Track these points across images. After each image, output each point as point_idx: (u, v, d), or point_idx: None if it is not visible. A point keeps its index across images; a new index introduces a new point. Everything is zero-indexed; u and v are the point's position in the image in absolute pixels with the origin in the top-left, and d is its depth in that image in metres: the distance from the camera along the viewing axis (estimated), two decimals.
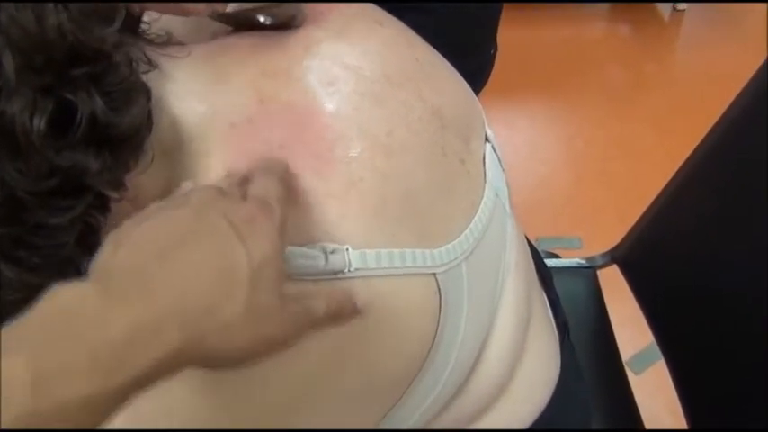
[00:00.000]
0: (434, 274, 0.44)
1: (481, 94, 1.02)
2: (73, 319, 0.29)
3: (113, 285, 0.31)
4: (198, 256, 0.33)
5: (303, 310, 0.36)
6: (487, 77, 0.99)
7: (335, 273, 0.40)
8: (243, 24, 0.48)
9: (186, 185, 0.40)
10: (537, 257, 0.72)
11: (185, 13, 0.43)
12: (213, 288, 0.33)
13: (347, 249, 0.41)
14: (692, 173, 0.84)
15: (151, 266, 0.32)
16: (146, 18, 0.44)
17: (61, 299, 0.30)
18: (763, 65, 0.73)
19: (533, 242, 1.05)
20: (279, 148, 0.43)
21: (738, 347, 0.77)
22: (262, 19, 0.47)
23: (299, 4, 0.47)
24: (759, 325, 0.73)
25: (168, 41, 0.45)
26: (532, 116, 1.92)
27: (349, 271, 0.40)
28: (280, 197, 0.38)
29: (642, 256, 0.93)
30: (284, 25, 0.48)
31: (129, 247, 0.34)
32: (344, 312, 0.39)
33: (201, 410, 0.40)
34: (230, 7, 0.45)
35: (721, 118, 0.79)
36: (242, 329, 0.33)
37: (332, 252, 0.40)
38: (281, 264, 0.36)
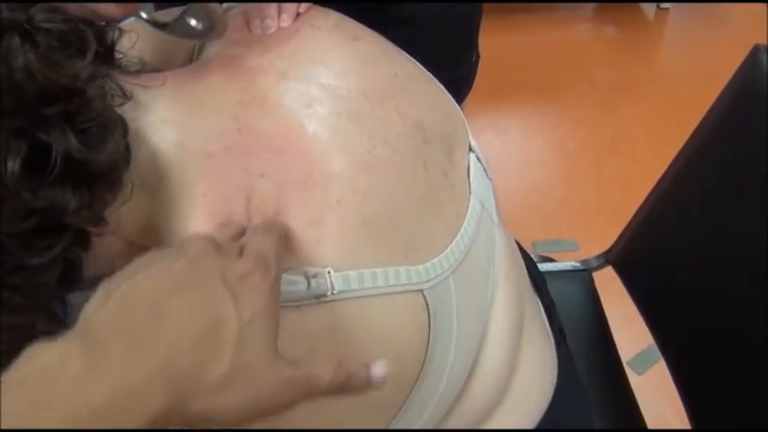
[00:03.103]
0: (421, 290, 0.44)
1: (471, 101, 1.02)
2: (53, 382, 0.28)
3: (97, 344, 0.30)
4: (187, 315, 0.32)
5: (302, 377, 0.34)
6: (471, 85, 0.99)
7: (318, 297, 0.40)
8: (176, 31, 0.46)
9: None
10: (529, 263, 0.72)
11: (99, 18, 0.41)
12: (200, 348, 0.31)
13: (329, 272, 0.40)
14: (681, 170, 0.83)
15: (139, 324, 0.31)
16: (119, 47, 0.44)
17: (42, 359, 0.29)
18: (745, 61, 0.74)
19: (529, 246, 1.04)
20: (259, 177, 0.42)
21: (737, 343, 0.76)
22: (193, 23, 0.46)
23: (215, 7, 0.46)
24: (756, 320, 0.73)
25: (143, 69, 0.44)
26: (523, 121, 1.92)
27: (332, 294, 0.40)
28: (277, 253, 0.37)
29: (636, 257, 0.93)
30: (212, 29, 0.46)
31: (118, 300, 0.32)
32: (353, 385, 0.35)
33: None
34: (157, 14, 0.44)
35: (707, 115, 0.79)
36: (229, 392, 0.31)
37: (313, 276, 0.40)
38: (273, 320, 0.34)
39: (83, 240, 0.38)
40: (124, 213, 0.41)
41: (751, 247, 0.73)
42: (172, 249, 0.37)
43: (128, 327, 0.31)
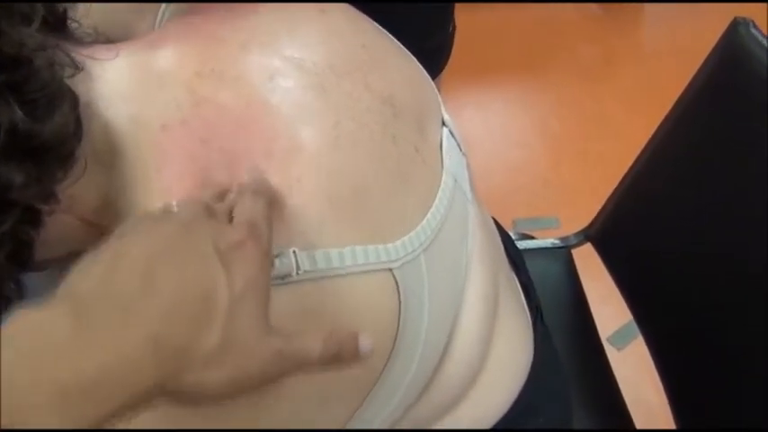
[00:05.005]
0: (391, 269, 0.43)
1: (452, 77, 1.01)
2: (41, 352, 0.27)
3: (87, 311, 0.29)
4: (178, 279, 0.31)
5: (293, 349, 0.34)
6: (448, 56, 0.98)
7: (283, 277, 0.38)
8: None
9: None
10: (507, 240, 0.71)
11: None
12: (190, 321, 0.30)
13: (294, 252, 0.39)
14: (658, 147, 0.83)
15: (129, 291, 0.30)
16: (73, 15, 0.42)
17: (28, 326, 0.28)
18: (724, 34, 0.73)
19: (510, 225, 1.02)
20: (218, 151, 0.41)
21: (715, 319, 0.76)
22: None
23: None
24: (735, 295, 0.73)
25: (96, 40, 0.43)
26: (506, 98, 1.91)
27: (297, 274, 0.38)
28: (268, 221, 0.36)
29: (615, 233, 0.92)
30: None
31: (106, 263, 0.31)
32: (345, 356, 0.35)
33: None
34: None
35: (686, 89, 0.78)
36: (220, 366, 0.31)
37: (277, 256, 0.38)
38: (265, 292, 0.33)
39: (33, 218, 0.37)
40: (78, 190, 0.39)
41: (730, 222, 0.73)
42: (161, 212, 0.36)
43: (117, 293, 0.30)
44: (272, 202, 0.39)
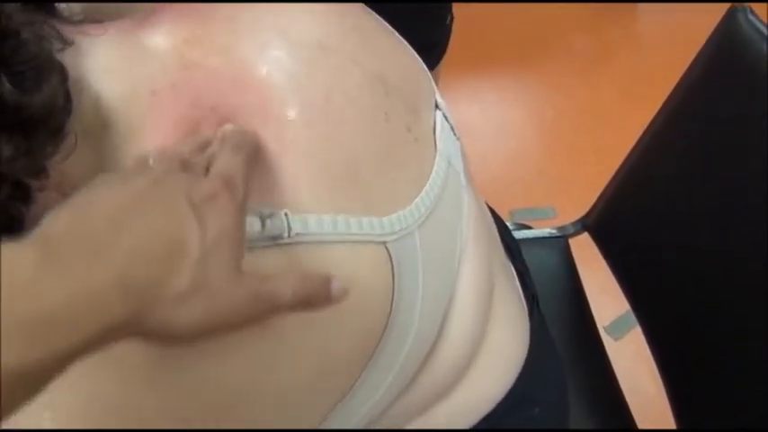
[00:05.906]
0: (384, 242, 0.42)
1: (448, 68, 1.01)
2: (3, 287, 0.27)
3: (53, 247, 0.29)
4: (149, 225, 0.31)
5: (265, 292, 0.34)
6: (446, 46, 0.98)
7: (274, 238, 0.38)
8: None
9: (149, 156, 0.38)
10: (503, 229, 0.71)
11: None
12: (159, 264, 0.31)
13: (285, 213, 0.38)
14: (656, 136, 0.83)
15: (97, 230, 0.30)
16: None
17: None
18: (721, 22, 0.72)
19: (507, 215, 1.02)
20: (210, 110, 0.40)
21: (712, 308, 0.76)
22: None
23: None
24: (732, 284, 0.73)
25: (85, 18, 0.42)
26: (502, 89, 1.90)
27: (289, 236, 0.38)
28: (245, 176, 0.36)
29: (612, 223, 0.92)
30: None
31: (77, 208, 0.31)
32: (316, 300, 0.36)
33: (133, 390, 0.38)
34: None
35: (682, 78, 0.78)
36: (189, 305, 0.31)
37: (269, 216, 0.37)
38: (238, 243, 0.34)
39: (23, 194, 0.37)
40: (69, 167, 0.39)
41: (727, 212, 0.73)
42: (135, 166, 0.36)
43: (85, 233, 0.30)
44: (253, 157, 0.38)
